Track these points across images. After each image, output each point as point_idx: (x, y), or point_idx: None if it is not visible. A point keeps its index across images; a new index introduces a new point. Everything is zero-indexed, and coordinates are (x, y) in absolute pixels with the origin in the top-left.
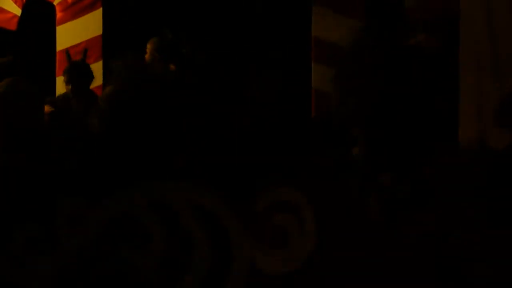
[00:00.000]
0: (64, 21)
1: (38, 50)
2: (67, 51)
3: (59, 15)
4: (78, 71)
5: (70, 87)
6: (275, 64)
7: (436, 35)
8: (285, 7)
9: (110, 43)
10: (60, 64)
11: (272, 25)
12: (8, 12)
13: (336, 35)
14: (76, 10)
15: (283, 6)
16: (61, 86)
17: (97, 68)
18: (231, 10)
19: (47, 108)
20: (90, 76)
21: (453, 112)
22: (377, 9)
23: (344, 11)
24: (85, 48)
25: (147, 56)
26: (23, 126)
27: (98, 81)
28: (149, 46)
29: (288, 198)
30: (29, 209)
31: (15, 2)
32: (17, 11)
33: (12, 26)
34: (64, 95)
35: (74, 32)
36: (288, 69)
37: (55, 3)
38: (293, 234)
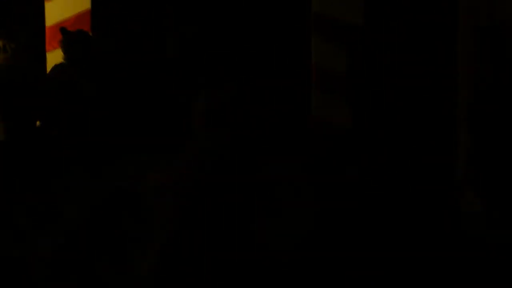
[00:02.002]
0: None
1: (27, 25)
2: (61, 29)
3: None
4: (70, 39)
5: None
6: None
7: None
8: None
9: (99, 17)
10: (49, 39)
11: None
12: None
13: None
14: None
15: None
16: (51, 62)
17: None
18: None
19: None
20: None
21: None
22: None
23: None
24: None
25: None
26: (19, 101)
27: None
28: None
29: (287, 173)
30: (29, 182)
31: None
32: None
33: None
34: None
35: (63, 8)
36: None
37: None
38: (292, 208)
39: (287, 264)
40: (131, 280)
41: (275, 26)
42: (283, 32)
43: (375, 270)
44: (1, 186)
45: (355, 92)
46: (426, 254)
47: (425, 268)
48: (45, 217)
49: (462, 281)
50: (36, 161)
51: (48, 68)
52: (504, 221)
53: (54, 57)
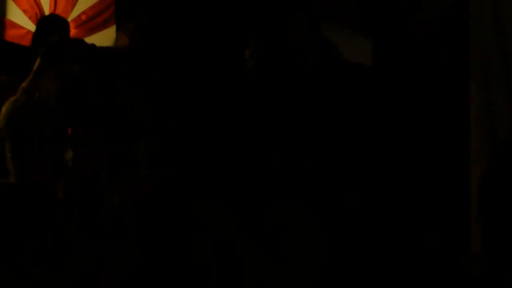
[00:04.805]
0: (77, 37)
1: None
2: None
3: (73, 31)
4: None
5: None
6: None
7: None
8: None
9: None
10: None
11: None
12: (22, 28)
13: None
14: (90, 27)
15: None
16: None
17: None
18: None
19: None
20: None
21: None
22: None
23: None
24: None
25: None
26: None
27: None
28: None
29: (297, 215)
30: (35, 221)
31: (30, 18)
32: (31, 27)
33: (26, 42)
34: None
35: None
36: None
37: (69, 19)
38: (302, 251)
39: None
40: None
41: None
42: None
43: None
44: (12, 229)
45: None
46: None
47: None
48: (54, 260)
49: None
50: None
51: None
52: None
53: None
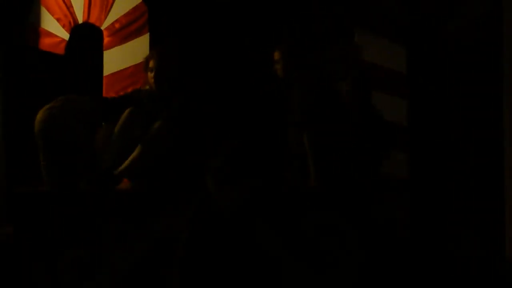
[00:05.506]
0: (111, 46)
1: (85, 74)
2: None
3: (106, 40)
4: None
5: None
6: None
7: None
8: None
9: None
10: (107, 88)
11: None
12: (56, 36)
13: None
14: (123, 35)
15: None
16: None
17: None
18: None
19: None
20: None
21: None
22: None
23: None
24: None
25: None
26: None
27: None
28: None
29: (333, 222)
30: (75, 231)
31: (63, 27)
32: (65, 35)
33: (60, 50)
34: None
35: (121, 57)
36: None
37: (102, 28)
38: (339, 257)
39: None
40: None
41: None
42: None
43: None
44: (47, 237)
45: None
46: None
47: None
48: (90, 268)
49: None
50: (81, 212)
51: None
52: None
53: None
